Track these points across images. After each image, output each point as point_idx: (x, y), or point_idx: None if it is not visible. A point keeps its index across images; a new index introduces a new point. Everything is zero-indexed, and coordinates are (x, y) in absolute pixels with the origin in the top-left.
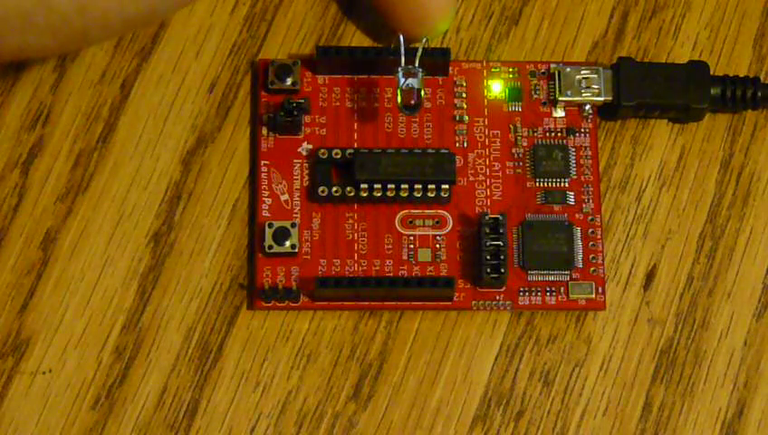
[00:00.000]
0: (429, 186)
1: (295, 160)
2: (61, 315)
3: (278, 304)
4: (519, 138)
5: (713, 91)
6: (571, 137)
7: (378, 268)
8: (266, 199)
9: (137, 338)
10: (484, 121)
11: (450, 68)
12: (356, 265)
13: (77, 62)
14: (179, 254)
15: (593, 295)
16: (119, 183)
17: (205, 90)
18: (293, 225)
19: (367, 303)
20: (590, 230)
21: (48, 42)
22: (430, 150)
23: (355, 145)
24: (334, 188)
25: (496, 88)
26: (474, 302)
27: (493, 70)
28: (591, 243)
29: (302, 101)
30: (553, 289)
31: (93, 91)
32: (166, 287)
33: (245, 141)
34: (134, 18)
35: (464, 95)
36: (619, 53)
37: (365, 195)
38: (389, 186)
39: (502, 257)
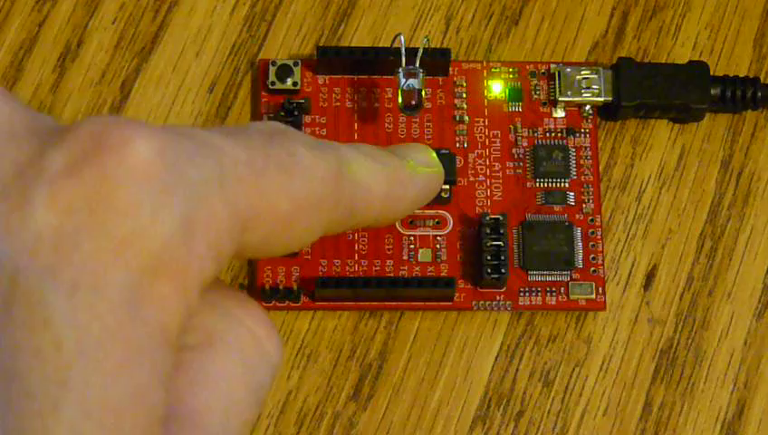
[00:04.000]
0: None
1: None
2: None
3: (278, 305)
4: (519, 138)
5: (713, 92)
6: (571, 137)
7: (378, 269)
8: None
9: None
10: (484, 122)
11: (450, 68)
12: (356, 265)
13: (77, 63)
14: None
15: (593, 296)
16: None
17: (205, 90)
18: None
19: (367, 303)
20: (591, 230)
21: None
22: None
23: None
24: None
25: (496, 88)
26: (474, 302)
27: (493, 70)
28: (591, 243)
29: (303, 101)
30: (553, 289)
31: (93, 91)
32: None
33: None
34: None
35: (464, 95)
36: (619, 53)
37: None
38: None
39: (502, 258)
